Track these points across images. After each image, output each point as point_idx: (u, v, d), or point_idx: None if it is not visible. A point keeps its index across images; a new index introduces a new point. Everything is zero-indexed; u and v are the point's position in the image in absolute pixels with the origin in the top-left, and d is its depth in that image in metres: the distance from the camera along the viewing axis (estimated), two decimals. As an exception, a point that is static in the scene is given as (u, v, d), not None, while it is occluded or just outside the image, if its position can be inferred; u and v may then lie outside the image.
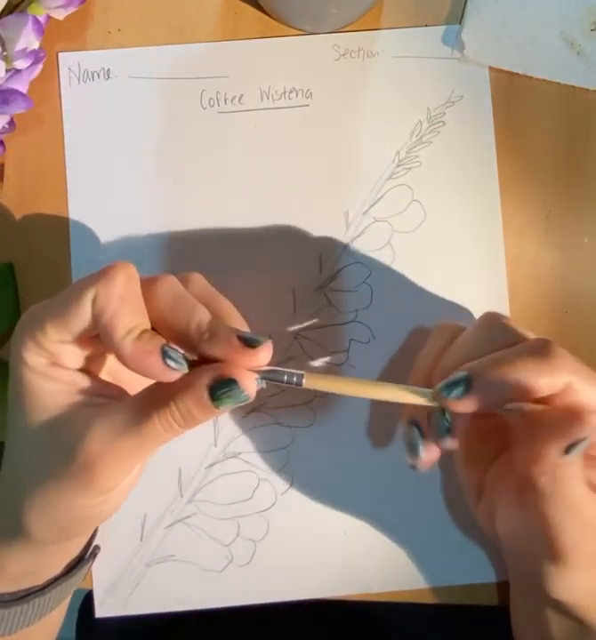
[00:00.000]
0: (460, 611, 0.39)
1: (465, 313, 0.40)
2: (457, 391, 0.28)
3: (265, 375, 0.28)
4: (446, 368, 0.30)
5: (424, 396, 0.29)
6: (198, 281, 0.32)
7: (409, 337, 0.40)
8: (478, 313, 0.39)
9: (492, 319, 0.32)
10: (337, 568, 0.39)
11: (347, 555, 0.39)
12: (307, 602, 0.39)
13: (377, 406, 0.39)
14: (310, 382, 0.28)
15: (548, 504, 0.28)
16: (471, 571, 0.39)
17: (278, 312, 0.40)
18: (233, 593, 0.39)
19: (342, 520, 0.39)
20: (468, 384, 0.28)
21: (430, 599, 0.39)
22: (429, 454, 0.31)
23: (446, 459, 0.39)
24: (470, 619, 0.40)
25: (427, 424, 0.30)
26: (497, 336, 0.30)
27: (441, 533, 0.39)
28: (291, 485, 0.39)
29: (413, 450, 0.31)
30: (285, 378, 0.28)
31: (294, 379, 0.28)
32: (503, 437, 0.32)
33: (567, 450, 0.26)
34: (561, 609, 0.31)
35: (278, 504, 0.39)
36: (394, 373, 0.39)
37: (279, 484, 0.39)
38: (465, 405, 0.28)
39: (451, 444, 0.30)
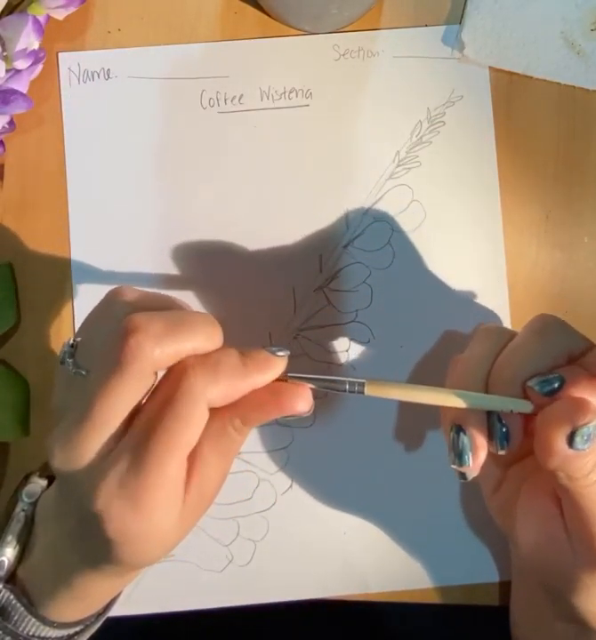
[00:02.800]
0: (460, 611, 0.39)
1: (465, 312, 0.40)
2: (550, 389, 0.28)
3: (325, 385, 0.28)
4: (507, 375, 0.29)
5: (493, 402, 0.28)
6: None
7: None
8: (477, 313, 0.40)
9: (548, 323, 0.31)
10: (337, 568, 0.39)
11: (347, 554, 0.39)
12: (307, 602, 0.39)
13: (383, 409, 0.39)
14: (371, 390, 0.28)
15: (571, 504, 0.28)
16: (472, 571, 0.39)
17: (278, 312, 0.40)
18: (233, 593, 0.39)
19: (342, 520, 0.39)
20: (561, 385, 0.28)
21: (430, 599, 0.39)
22: (477, 460, 0.29)
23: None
24: (470, 619, 0.40)
25: (474, 429, 0.29)
26: (558, 341, 0.30)
27: (441, 533, 0.39)
28: (291, 485, 0.39)
29: (461, 456, 0.29)
30: (347, 387, 0.28)
31: (356, 387, 0.28)
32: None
33: (571, 437, 0.26)
34: (571, 614, 0.30)
35: (278, 504, 0.39)
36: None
37: (279, 483, 0.39)
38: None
39: (508, 450, 0.29)
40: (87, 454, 0.26)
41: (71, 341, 0.28)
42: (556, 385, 0.28)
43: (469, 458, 0.29)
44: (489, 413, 0.29)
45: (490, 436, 0.29)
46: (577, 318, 0.40)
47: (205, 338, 0.27)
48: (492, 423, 0.29)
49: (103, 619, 0.34)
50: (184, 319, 0.27)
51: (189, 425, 0.26)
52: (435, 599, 0.39)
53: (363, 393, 0.28)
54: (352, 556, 0.39)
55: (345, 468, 0.39)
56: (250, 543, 0.39)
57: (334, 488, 0.39)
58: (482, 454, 0.29)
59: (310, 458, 0.39)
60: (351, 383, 0.28)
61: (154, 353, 0.25)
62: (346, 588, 0.39)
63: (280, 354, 0.28)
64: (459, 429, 0.29)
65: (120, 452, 0.26)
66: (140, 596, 0.39)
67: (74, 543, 0.29)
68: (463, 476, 0.30)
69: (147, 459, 0.25)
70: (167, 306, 0.29)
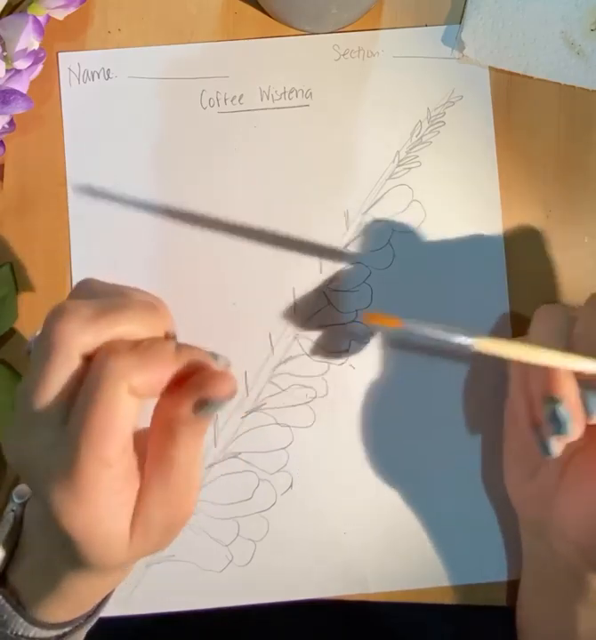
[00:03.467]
0: (461, 610, 0.39)
1: (466, 312, 0.40)
2: None
3: (437, 335, 0.29)
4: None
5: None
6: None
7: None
8: (478, 313, 0.40)
9: None
10: (337, 568, 0.39)
11: (347, 555, 0.39)
12: (307, 602, 0.39)
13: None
14: (482, 345, 0.29)
15: None
16: (472, 570, 0.39)
17: (278, 312, 0.40)
18: (233, 593, 0.39)
19: (342, 520, 0.39)
20: None
21: (430, 599, 0.39)
22: (578, 430, 0.30)
23: (449, 455, 0.39)
24: (471, 618, 0.40)
25: (573, 400, 0.30)
26: None
27: (441, 533, 0.39)
28: (291, 485, 0.39)
29: (562, 427, 0.30)
30: (457, 339, 0.29)
31: (468, 340, 0.29)
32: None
33: None
34: None
35: (278, 504, 0.39)
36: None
37: (279, 484, 0.39)
38: None
39: None
40: (32, 444, 0.26)
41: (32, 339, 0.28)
42: None
43: (571, 428, 0.30)
44: (585, 388, 0.30)
45: (585, 408, 0.30)
46: (577, 318, 0.40)
47: (139, 323, 0.26)
48: (587, 395, 0.30)
49: (94, 620, 0.33)
50: (118, 304, 0.26)
51: (110, 409, 0.25)
52: (435, 599, 0.39)
53: (474, 347, 0.29)
54: (352, 556, 0.39)
55: (345, 467, 0.39)
56: (250, 543, 0.39)
57: (334, 488, 0.39)
58: (582, 424, 0.30)
59: (310, 458, 0.39)
60: (465, 337, 0.29)
61: (82, 336, 0.25)
62: (346, 588, 0.39)
63: (221, 362, 0.27)
64: (556, 401, 0.30)
65: (58, 441, 0.25)
66: (141, 596, 0.39)
67: (54, 544, 0.29)
68: (547, 449, 0.31)
69: (78, 446, 0.25)
70: (113, 293, 0.28)
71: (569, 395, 0.30)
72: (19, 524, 0.32)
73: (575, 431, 0.30)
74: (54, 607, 0.31)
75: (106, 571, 0.29)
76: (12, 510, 0.32)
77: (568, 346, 0.32)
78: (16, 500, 0.33)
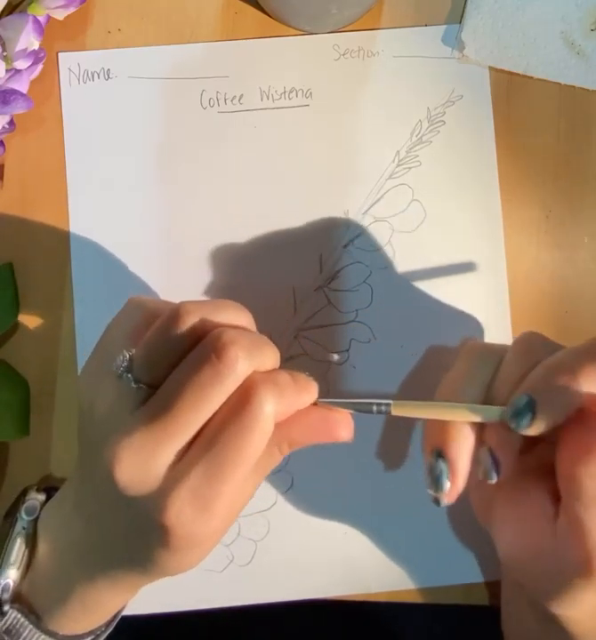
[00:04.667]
0: (459, 610, 0.39)
1: (466, 312, 0.40)
2: (525, 421, 0.27)
3: (355, 407, 0.30)
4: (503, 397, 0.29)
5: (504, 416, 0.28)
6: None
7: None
8: (478, 313, 0.40)
9: (531, 341, 0.30)
10: (337, 568, 0.39)
11: (347, 555, 0.39)
12: (307, 602, 0.39)
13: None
14: (397, 410, 0.29)
15: (587, 509, 0.27)
16: (472, 570, 0.39)
17: (278, 312, 0.40)
18: (233, 593, 0.39)
19: (342, 520, 0.39)
20: (533, 411, 0.27)
21: (429, 599, 0.39)
22: (455, 488, 0.29)
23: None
24: (470, 618, 0.40)
25: (455, 456, 0.29)
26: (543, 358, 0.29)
27: (442, 533, 0.39)
28: (291, 485, 0.39)
29: (437, 483, 0.29)
30: (375, 408, 0.30)
31: (383, 408, 0.29)
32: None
33: None
34: (546, 615, 0.30)
35: (278, 504, 0.39)
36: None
37: (279, 483, 0.39)
38: (535, 429, 0.27)
39: (496, 480, 0.28)
40: (160, 462, 0.26)
41: (127, 355, 0.28)
42: (529, 415, 0.27)
43: (444, 485, 0.29)
44: (480, 448, 0.29)
45: (480, 469, 0.29)
46: (577, 318, 0.40)
47: (274, 357, 0.29)
48: (481, 456, 0.29)
49: (113, 626, 0.34)
50: (260, 337, 0.29)
51: (262, 438, 0.27)
52: (435, 599, 0.39)
53: (389, 413, 0.29)
54: (353, 556, 0.39)
55: (345, 467, 0.39)
56: (250, 543, 0.39)
57: (334, 488, 0.39)
58: (461, 482, 0.29)
59: (310, 458, 0.39)
60: (378, 405, 0.29)
61: (244, 365, 0.27)
62: (346, 589, 0.39)
63: (311, 378, 0.30)
64: (437, 455, 0.29)
65: (191, 461, 0.26)
66: (141, 596, 0.38)
67: (95, 556, 0.29)
68: (436, 501, 0.29)
69: (221, 469, 0.26)
70: (230, 314, 0.30)
71: (450, 452, 0.28)
72: (31, 540, 0.32)
73: (451, 489, 0.29)
74: (77, 619, 0.31)
75: (171, 575, 0.31)
76: (23, 528, 0.32)
77: (489, 389, 0.30)
78: (26, 517, 0.32)
